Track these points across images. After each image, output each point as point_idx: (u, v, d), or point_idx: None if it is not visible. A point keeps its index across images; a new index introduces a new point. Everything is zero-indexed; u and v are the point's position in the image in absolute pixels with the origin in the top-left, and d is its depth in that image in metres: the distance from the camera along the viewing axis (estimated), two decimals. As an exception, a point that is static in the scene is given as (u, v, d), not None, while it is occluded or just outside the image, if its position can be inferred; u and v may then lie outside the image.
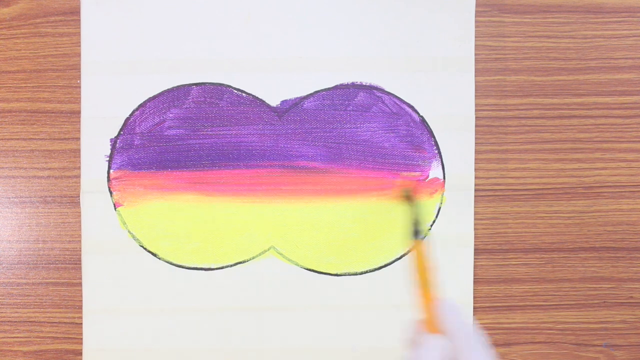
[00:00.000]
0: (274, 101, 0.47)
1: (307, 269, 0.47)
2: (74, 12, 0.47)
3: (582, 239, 0.48)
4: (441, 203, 0.47)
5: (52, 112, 0.47)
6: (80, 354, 0.47)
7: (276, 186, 0.47)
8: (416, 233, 0.41)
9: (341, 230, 0.47)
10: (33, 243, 0.47)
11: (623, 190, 0.48)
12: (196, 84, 0.47)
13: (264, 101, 0.47)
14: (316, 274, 0.47)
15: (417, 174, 0.47)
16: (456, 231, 0.47)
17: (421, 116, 0.47)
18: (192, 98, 0.47)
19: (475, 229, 0.47)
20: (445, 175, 0.47)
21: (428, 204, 0.47)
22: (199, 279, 0.46)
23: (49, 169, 0.47)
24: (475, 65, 0.47)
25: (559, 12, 0.48)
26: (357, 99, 0.47)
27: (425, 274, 0.38)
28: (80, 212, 0.47)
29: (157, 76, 0.46)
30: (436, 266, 0.38)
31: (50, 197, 0.47)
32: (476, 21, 0.47)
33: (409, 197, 0.45)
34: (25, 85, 0.47)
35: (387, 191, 0.47)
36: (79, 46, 0.47)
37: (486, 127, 0.48)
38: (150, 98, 0.47)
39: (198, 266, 0.46)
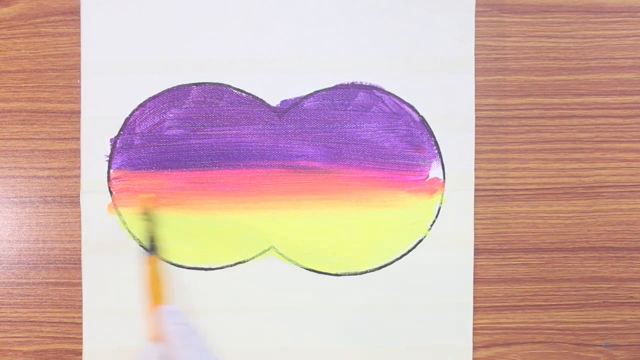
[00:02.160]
0: (274, 101, 0.47)
1: (307, 269, 0.47)
2: (74, 12, 0.47)
3: (582, 239, 0.48)
4: (441, 203, 0.47)
5: (52, 112, 0.47)
6: (80, 354, 0.47)
7: (276, 186, 0.47)
8: (152, 248, 0.44)
9: (341, 230, 0.47)
10: (33, 243, 0.47)
11: (623, 190, 0.48)
12: (196, 84, 0.47)
13: (264, 101, 0.47)
14: (316, 274, 0.47)
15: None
16: (456, 231, 0.47)
17: (421, 116, 0.47)
18: (192, 98, 0.47)
19: (475, 229, 0.47)
20: (445, 175, 0.47)
21: (428, 204, 0.47)
22: (199, 279, 0.46)
23: (49, 169, 0.47)
24: (475, 65, 0.47)
25: (559, 12, 0.48)
26: (357, 99, 0.47)
27: (156, 286, 0.42)
28: (80, 212, 0.47)
29: (157, 76, 0.46)
30: (166, 279, 0.43)
31: (50, 197, 0.47)
32: (476, 21, 0.47)
33: (147, 214, 0.46)
34: (25, 85, 0.47)
35: (387, 191, 0.47)
36: (79, 46, 0.47)
37: (486, 127, 0.48)
38: (150, 98, 0.47)
39: (198, 266, 0.46)
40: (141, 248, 0.45)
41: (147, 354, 0.34)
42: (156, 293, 0.41)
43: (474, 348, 0.47)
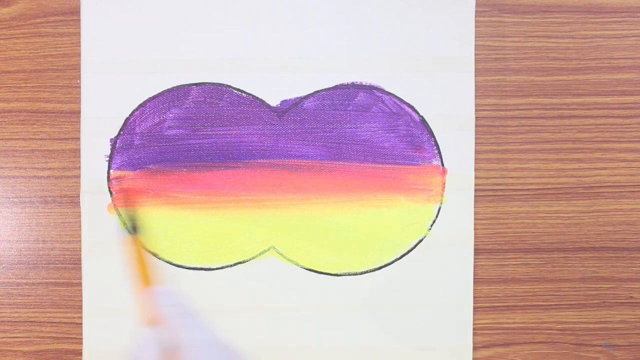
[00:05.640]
0: (274, 101, 0.47)
1: (307, 269, 0.47)
2: (74, 12, 0.47)
3: (582, 239, 0.48)
4: (441, 203, 0.47)
5: (52, 112, 0.47)
6: (80, 354, 0.47)
7: (276, 186, 0.47)
8: (134, 229, 0.42)
9: (341, 230, 0.47)
10: (33, 243, 0.47)
11: (623, 190, 0.48)
12: (196, 84, 0.47)
13: (264, 101, 0.47)
14: (316, 274, 0.47)
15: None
16: (456, 231, 0.47)
17: (421, 116, 0.47)
18: (192, 98, 0.47)
19: (475, 229, 0.47)
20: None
21: (428, 203, 0.47)
22: (199, 279, 0.46)
23: (49, 169, 0.47)
24: (475, 65, 0.47)
25: (559, 12, 0.48)
26: (357, 99, 0.47)
27: (142, 266, 0.39)
28: (80, 212, 0.47)
29: (157, 76, 0.46)
30: (151, 259, 0.42)
31: (50, 197, 0.47)
32: (476, 21, 0.47)
33: (127, 202, 0.46)
34: (25, 85, 0.47)
35: (387, 191, 0.47)
36: (79, 46, 0.47)
37: (486, 127, 0.48)
38: (150, 98, 0.47)
39: (198, 266, 0.46)
40: (123, 230, 0.45)
41: (145, 340, 0.32)
42: (143, 274, 0.40)
43: (474, 348, 0.47)
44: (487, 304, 0.48)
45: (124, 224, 0.46)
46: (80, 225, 0.47)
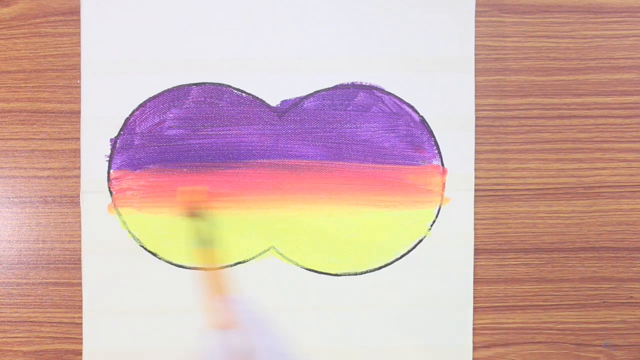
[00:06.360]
0: (274, 101, 0.47)
1: (307, 269, 0.47)
2: (74, 12, 0.47)
3: (582, 239, 0.48)
4: (441, 203, 0.47)
5: (52, 112, 0.47)
6: (80, 354, 0.47)
7: (276, 186, 0.47)
8: (207, 242, 0.44)
9: (341, 230, 0.47)
10: (33, 243, 0.47)
11: (623, 190, 0.48)
12: (196, 84, 0.47)
13: (264, 101, 0.47)
14: (316, 274, 0.47)
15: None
16: (456, 231, 0.47)
17: (421, 116, 0.47)
18: (192, 98, 0.47)
19: (475, 229, 0.47)
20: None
21: (428, 204, 0.47)
22: (199, 279, 0.46)
23: (49, 169, 0.47)
24: (475, 65, 0.47)
25: (559, 12, 0.48)
26: (357, 99, 0.47)
27: (217, 277, 0.42)
28: (80, 212, 0.47)
29: (157, 76, 0.46)
30: (225, 269, 0.43)
31: (50, 197, 0.47)
32: (476, 21, 0.47)
33: (195, 212, 0.46)
34: (25, 85, 0.47)
35: (387, 191, 0.47)
36: (79, 46, 0.47)
37: (486, 127, 0.48)
38: (150, 98, 0.47)
39: (198, 266, 0.46)
40: (196, 241, 0.45)
41: (215, 342, 0.34)
42: (218, 283, 0.41)
43: (474, 348, 0.47)
44: (487, 304, 0.48)
45: (197, 237, 0.45)
46: (80, 225, 0.47)
